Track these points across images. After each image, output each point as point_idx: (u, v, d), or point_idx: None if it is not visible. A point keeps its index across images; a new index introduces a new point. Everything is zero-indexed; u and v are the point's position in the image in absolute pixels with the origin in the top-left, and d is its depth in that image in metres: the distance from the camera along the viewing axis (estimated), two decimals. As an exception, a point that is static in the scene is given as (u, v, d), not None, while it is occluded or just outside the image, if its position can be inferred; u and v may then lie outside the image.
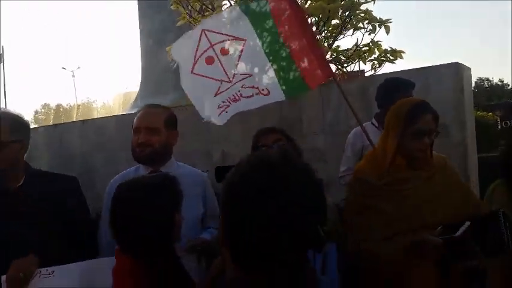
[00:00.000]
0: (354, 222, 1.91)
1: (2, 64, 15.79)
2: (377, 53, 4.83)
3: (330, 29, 4.99)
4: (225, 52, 2.43)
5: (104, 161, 5.55)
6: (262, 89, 2.42)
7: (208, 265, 1.68)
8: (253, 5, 2.44)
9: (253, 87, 2.42)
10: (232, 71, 2.42)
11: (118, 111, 12.63)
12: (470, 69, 4.04)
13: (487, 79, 36.89)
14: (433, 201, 1.83)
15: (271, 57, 2.41)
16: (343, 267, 1.84)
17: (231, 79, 2.42)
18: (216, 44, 2.43)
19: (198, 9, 5.20)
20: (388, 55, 4.81)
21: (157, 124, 2.09)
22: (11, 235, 1.79)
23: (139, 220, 1.46)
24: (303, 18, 2.54)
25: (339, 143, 3.65)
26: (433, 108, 1.88)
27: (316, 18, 4.71)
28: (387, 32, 4.70)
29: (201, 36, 2.45)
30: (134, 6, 9.22)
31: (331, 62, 5.24)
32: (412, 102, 1.93)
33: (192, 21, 5.14)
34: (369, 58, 4.90)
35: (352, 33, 4.89)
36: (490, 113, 8.12)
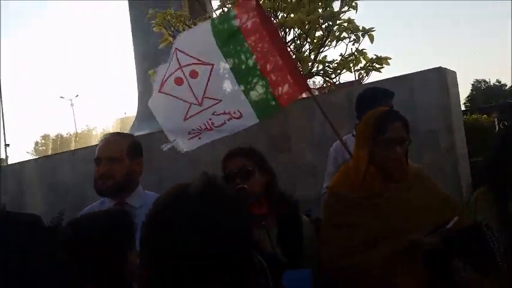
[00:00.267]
0: (331, 238, 1.83)
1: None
2: (363, 62, 4.80)
3: (315, 41, 4.97)
4: (194, 75, 2.37)
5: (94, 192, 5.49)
6: (234, 112, 2.36)
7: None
8: (222, 21, 2.39)
9: (224, 112, 2.36)
10: (202, 95, 2.36)
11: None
12: (455, 72, 3.99)
13: (484, 81, 36.92)
14: (412, 214, 1.76)
15: (240, 79, 2.35)
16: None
17: (200, 102, 2.36)
18: (185, 66, 2.37)
19: (181, 30, 5.19)
20: (375, 64, 4.78)
21: (118, 153, 2.01)
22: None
23: (88, 261, 1.39)
24: (274, 32, 2.49)
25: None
26: (403, 116, 1.84)
27: (297, 31, 4.68)
28: (371, 40, 4.66)
29: (173, 55, 2.41)
30: (129, 30, 9.19)
31: (318, 74, 5.22)
32: (380, 111, 1.90)
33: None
34: (356, 68, 4.87)
35: (336, 44, 4.87)
36: (485, 115, 8.03)
